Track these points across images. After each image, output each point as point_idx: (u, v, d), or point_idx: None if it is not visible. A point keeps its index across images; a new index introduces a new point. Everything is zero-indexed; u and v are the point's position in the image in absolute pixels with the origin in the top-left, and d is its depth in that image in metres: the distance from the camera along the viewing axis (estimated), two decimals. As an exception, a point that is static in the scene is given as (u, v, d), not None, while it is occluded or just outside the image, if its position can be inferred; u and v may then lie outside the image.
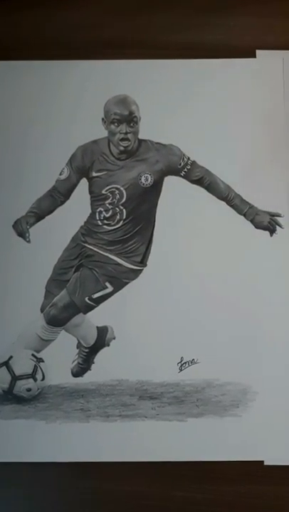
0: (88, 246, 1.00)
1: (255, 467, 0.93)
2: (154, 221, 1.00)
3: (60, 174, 1.00)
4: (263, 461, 0.93)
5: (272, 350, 0.95)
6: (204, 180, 1.00)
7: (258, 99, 1.02)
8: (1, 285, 0.98)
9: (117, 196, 1.00)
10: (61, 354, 0.97)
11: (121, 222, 1.00)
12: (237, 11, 1.04)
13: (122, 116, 1.00)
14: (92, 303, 0.98)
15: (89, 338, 0.97)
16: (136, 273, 0.99)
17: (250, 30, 1.04)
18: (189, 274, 0.98)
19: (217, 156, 1.01)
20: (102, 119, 1.01)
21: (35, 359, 0.96)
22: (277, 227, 0.99)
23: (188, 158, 1.00)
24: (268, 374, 0.95)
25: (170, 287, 0.98)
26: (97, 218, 1.00)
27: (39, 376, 0.96)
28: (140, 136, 1.01)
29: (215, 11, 1.04)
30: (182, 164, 1.00)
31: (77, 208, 1.00)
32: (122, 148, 1.00)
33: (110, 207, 1.00)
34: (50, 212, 1.00)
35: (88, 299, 0.98)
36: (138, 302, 0.98)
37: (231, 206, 1.00)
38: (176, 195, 1.00)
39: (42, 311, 0.98)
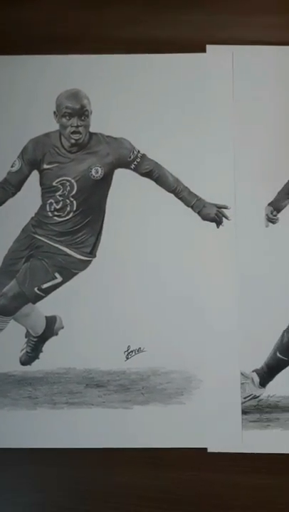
0: (38, 237, 1.01)
1: (199, 454, 0.95)
2: (104, 213, 1.02)
3: (12, 166, 1.02)
4: (206, 448, 0.95)
5: (216, 339, 0.97)
6: (153, 173, 1.02)
7: (207, 93, 1.03)
8: None
9: (68, 188, 1.01)
10: (10, 343, 0.99)
11: (71, 214, 1.01)
12: (188, 6, 1.06)
13: (74, 109, 1.02)
14: (41, 293, 1.00)
15: (38, 327, 0.99)
16: (85, 263, 1.01)
17: (201, 26, 1.06)
18: (137, 265, 1.00)
19: (166, 149, 1.02)
20: (54, 112, 1.02)
21: (-15, 348, 0.98)
22: (224, 219, 1.01)
23: (138, 152, 1.02)
24: (212, 362, 0.97)
25: (118, 277, 1.00)
26: (48, 210, 1.01)
27: (-12, 364, 0.98)
28: (91, 130, 1.03)
29: (166, 6, 1.06)
30: (132, 157, 1.02)
31: (28, 199, 1.02)
32: (73, 141, 1.02)
33: (61, 199, 1.01)
34: (1, 203, 1.02)
35: (37, 289, 1.00)
36: (87, 292, 1.00)
37: (179, 198, 1.02)
38: (126, 188, 1.02)
39: (-8, 301, 1.00)
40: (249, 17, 1.06)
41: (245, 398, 0.96)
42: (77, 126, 1.02)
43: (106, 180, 1.02)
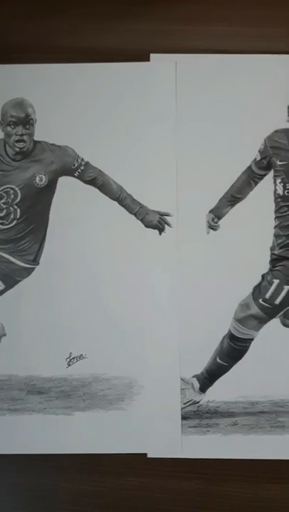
0: (-19, 245, 1.02)
1: (139, 460, 0.96)
2: (48, 220, 1.03)
3: None
4: (146, 454, 0.96)
5: (157, 345, 0.98)
6: (97, 180, 1.03)
7: (151, 101, 1.04)
8: None
9: (12, 196, 1.02)
10: None
11: (15, 222, 1.02)
12: (132, 15, 1.07)
13: (19, 118, 1.03)
14: (-16, 300, 1.01)
15: (-20, 334, 1.00)
16: (28, 271, 1.02)
17: (145, 35, 1.07)
18: (80, 272, 1.01)
19: (110, 157, 1.03)
20: (-1, 121, 1.04)
21: None
22: (166, 226, 1.01)
23: (82, 159, 1.03)
24: (153, 368, 0.97)
25: (61, 285, 1.00)
26: (-8, 218, 1.02)
27: None
28: (36, 138, 1.04)
29: (110, 15, 1.07)
30: (76, 165, 1.03)
31: (-28, 207, 1.03)
32: (17, 149, 1.03)
33: (4, 206, 1.02)
34: None
35: (-20, 297, 1.01)
36: (30, 300, 1.00)
37: (123, 206, 1.03)
38: (70, 195, 1.03)
39: None
40: (193, 25, 1.07)
41: (185, 404, 0.97)
42: (22, 135, 1.02)
43: (50, 187, 1.03)
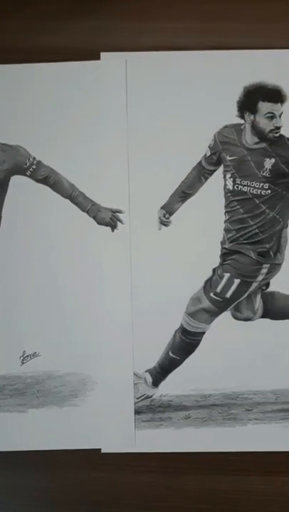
0: None
1: (94, 455, 0.97)
2: (0, 219, 1.03)
3: None
4: (100, 449, 0.97)
5: (110, 340, 0.99)
6: (49, 179, 1.04)
7: (102, 99, 1.05)
8: None
9: None
10: None
11: None
12: (82, 13, 1.08)
13: None
14: None
15: None
16: (-19, 270, 1.02)
17: (96, 33, 1.07)
18: (32, 270, 1.01)
19: (61, 155, 1.04)
20: None
21: None
22: (119, 223, 1.02)
23: (34, 158, 1.04)
24: (106, 364, 0.98)
25: (13, 283, 1.01)
26: None
27: None
28: (-13, 138, 1.05)
29: (60, 14, 1.08)
30: (28, 164, 1.03)
31: None
32: None
33: None
34: None
35: None
36: (-17, 298, 1.01)
37: (75, 204, 1.03)
38: (22, 194, 1.04)
39: None
40: (143, 23, 1.08)
41: (138, 398, 0.98)
42: (-26, 135, 1.03)
43: (2, 187, 1.03)
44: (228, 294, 1.00)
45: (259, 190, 1.01)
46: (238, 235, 1.02)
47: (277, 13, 1.07)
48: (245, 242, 1.02)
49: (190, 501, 0.95)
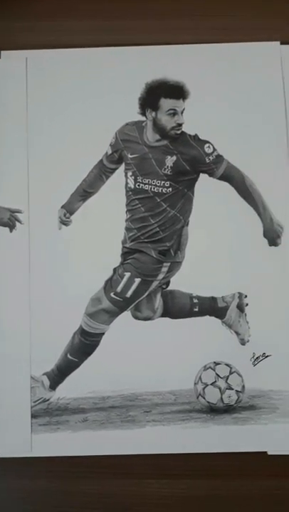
0: None
1: (-11, 460, 0.95)
2: None
3: None
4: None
5: (7, 343, 0.96)
6: None
7: (1, 98, 1.03)
8: None
9: None
10: None
11: None
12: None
13: None
14: None
15: None
16: None
17: (-4, 32, 1.06)
18: None
19: None
20: None
21: None
22: (17, 223, 1.00)
23: None
24: (2, 367, 0.96)
25: None
26: None
27: None
28: None
29: None
30: None
31: None
32: None
33: None
34: None
35: None
36: None
37: (-26, 204, 1.02)
38: None
39: None
40: (43, 21, 1.06)
41: (35, 402, 0.96)
42: None
43: None
44: (129, 294, 0.99)
45: (160, 188, 1.00)
46: (139, 234, 1.00)
47: (180, 9, 1.06)
48: (146, 240, 1.00)
49: (88, 505, 0.93)
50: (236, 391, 0.95)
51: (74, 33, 1.06)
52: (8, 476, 0.94)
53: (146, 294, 0.99)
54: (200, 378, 0.95)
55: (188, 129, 1.01)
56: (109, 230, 1.00)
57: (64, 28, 1.06)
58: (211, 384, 0.95)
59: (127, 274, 0.99)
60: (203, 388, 0.95)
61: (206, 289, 0.99)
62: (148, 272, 0.99)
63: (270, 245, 0.99)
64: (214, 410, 0.95)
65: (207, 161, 1.00)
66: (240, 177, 1.00)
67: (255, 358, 0.96)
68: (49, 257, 1.00)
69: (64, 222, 1.01)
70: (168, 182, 1.00)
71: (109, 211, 1.01)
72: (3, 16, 1.06)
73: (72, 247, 1.00)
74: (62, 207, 1.01)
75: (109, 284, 0.99)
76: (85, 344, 0.97)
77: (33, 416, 0.95)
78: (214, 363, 0.96)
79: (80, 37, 1.06)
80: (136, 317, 0.99)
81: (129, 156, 1.02)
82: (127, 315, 0.99)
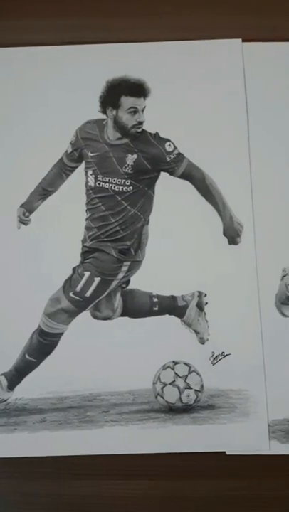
0: None
1: None
2: None
3: None
4: None
5: None
6: None
7: None
8: None
9: None
10: None
11: None
12: None
13: None
14: None
15: None
16: None
17: None
18: None
19: None
20: None
21: None
22: (-23, 221, 1.00)
23: None
24: None
25: None
26: None
27: None
28: None
29: None
30: None
31: None
32: None
33: None
34: None
35: None
36: None
37: None
38: None
39: None
40: (4, 20, 1.06)
41: (-8, 403, 0.95)
42: None
43: None
44: (88, 293, 0.98)
45: (121, 187, 0.99)
46: (99, 233, 0.99)
47: (142, 7, 1.06)
48: (106, 239, 0.99)
49: (45, 506, 0.92)
50: (195, 390, 0.94)
51: (34, 31, 1.05)
52: None
53: (106, 293, 0.99)
54: (159, 378, 0.95)
55: (149, 127, 1.00)
56: (68, 229, 1.00)
57: (24, 26, 1.05)
58: (170, 383, 0.94)
59: (87, 274, 0.98)
60: (162, 388, 0.94)
61: (165, 288, 0.98)
62: (108, 271, 0.99)
63: (229, 244, 0.99)
64: (173, 410, 0.94)
65: (168, 159, 0.99)
66: (200, 176, 1.00)
67: (214, 357, 0.95)
68: (7, 255, 0.99)
69: (23, 221, 1.00)
70: (128, 181, 0.99)
71: (69, 210, 1.00)
72: None
73: (31, 246, 0.99)
74: (22, 206, 1.00)
75: (69, 284, 0.98)
76: (43, 344, 0.96)
77: (-9, 417, 0.94)
78: (173, 362, 0.95)
79: (41, 35, 1.05)
80: (95, 317, 0.98)
81: (90, 154, 1.01)
82: (86, 315, 0.98)
